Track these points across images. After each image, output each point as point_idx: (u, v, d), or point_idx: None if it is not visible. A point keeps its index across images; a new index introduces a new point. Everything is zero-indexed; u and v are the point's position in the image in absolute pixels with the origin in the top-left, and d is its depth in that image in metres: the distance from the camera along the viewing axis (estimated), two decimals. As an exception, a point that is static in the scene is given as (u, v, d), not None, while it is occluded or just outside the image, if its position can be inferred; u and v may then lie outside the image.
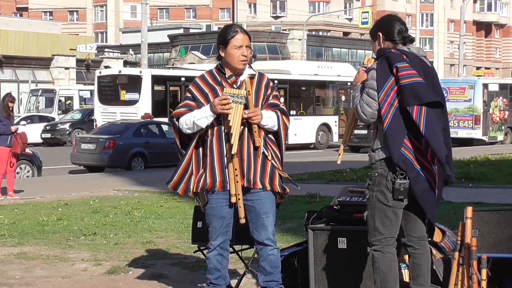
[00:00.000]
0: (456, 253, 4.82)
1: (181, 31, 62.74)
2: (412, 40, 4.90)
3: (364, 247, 4.89)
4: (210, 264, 5.29)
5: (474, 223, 4.94)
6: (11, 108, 13.64)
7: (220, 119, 5.06)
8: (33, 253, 7.89)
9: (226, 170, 5.07)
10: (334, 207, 5.67)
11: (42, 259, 7.59)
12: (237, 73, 5.17)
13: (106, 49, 53.54)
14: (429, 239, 5.18)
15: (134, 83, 27.21)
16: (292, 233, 8.82)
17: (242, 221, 5.10)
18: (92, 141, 21.07)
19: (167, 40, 59.00)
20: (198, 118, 5.05)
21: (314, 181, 15.08)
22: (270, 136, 5.20)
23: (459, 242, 4.81)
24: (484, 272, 4.64)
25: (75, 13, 79.68)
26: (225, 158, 5.07)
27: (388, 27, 4.89)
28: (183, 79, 27.88)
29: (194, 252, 6.78)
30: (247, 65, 5.22)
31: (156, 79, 27.46)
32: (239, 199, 5.07)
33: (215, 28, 67.76)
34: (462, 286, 4.76)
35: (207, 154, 5.13)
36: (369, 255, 4.86)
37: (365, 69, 4.89)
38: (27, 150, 16.12)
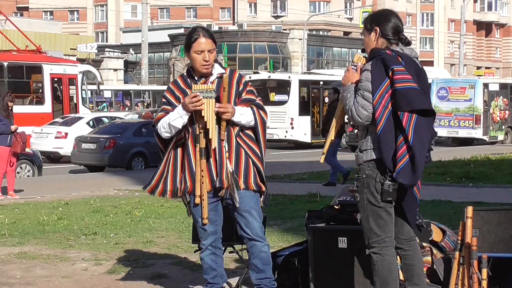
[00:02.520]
0: (457, 253, 4.82)
1: (181, 30, 62.62)
2: (408, 43, 4.80)
3: (364, 247, 4.88)
4: (204, 264, 5.32)
5: (475, 223, 4.93)
6: (10, 108, 13.64)
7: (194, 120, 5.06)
8: (34, 253, 7.89)
9: (193, 172, 5.10)
10: (335, 206, 5.66)
11: (43, 259, 7.59)
12: (205, 75, 5.15)
13: (106, 49, 53.51)
14: (430, 239, 5.19)
15: (283, 86, 30.90)
16: (292, 232, 8.82)
17: (205, 221, 5.15)
18: (92, 140, 21.06)
19: (168, 39, 58.97)
20: (173, 119, 5.06)
21: (315, 181, 15.07)
22: (248, 132, 5.18)
23: (459, 241, 4.81)
24: (484, 271, 4.64)
25: (75, 12, 79.68)
26: (192, 161, 5.09)
27: (387, 24, 4.78)
28: (321, 83, 31.97)
29: (194, 252, 6.77)
30: (217, 64, 5.20)
31: (301, 83, 31.35)
32: (203, 200, 5.09)
33: (215, 28, 67.76)
34: (462, 285, 4.76)
35: (184, 158, 5.15)
36: (371, 258, 4.84)
37: (354, 67, 4.78)
38: (28, 150, 16.12)
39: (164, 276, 6.68)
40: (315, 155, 23.09)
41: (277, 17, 74.84)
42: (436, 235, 5.74)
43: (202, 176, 5.05)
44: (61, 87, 27.21)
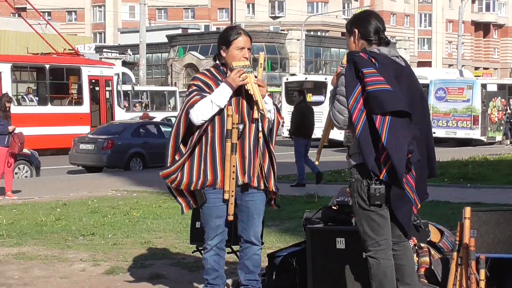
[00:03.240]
0: (455, 253, 4.82)
1: (179, 31, 62.74)
2: (387, 42, 4.76)
3: (362, 248, 4.88)
4: (207, 264, 5.31)
5: (473, 224, 4.93)
6: (8, 108, 13.63)
7: (221, 116, 5.09)
8: (32, 253, 7.89)
9: (218, 168, 5.11)
10: (333, 207, 5.66)
11: (41, 259, 7.58)
12: None
13: (104, 49, 53.39)
14: (428, 240, 5.17)
15: (319, 87, 31.24)
16: (290, 233, 8.82)
17: (230, 218, 5.14)
18: (90, 141, 21.05)
19: (166, 40, 59.02)
20: (217, 97, 5.07)
21: (313, 182, 15.07)
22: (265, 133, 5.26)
23: (457, 242, 4.81)
24: (482, 272, 4.64)
25: (73, 13, 79.67)
26: (218, 156, 5.11)
27: (365, 25, 4.74)
28: None
29: (192, 252, 6.78)
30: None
31: None
32: (232, 195, 5.10)
33: (213, 29, 67.80)
34: (460, 286, 4.76)
35: (208, 152, 5.14)
36: (367, 261, 4.82)
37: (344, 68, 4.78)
38: (25, 150, 16.11)
39: (162, 277, 6.67)
40: (313, 156, 23.10)
41: (275, 17, 74.90)
42: (434, 236, 5.74)
43: (233, 172, 5.08)
44: (98, 88, 28.28)
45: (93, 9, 79.59)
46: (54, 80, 27.40)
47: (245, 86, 5.11)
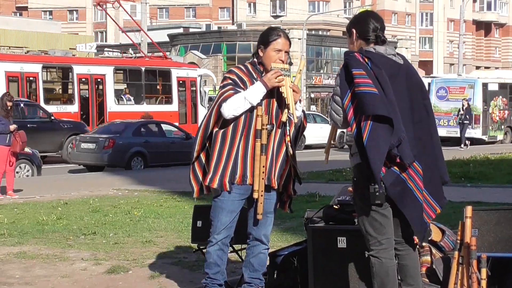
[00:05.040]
0: (456, 253, 4.81)
1: (180, 30, 62.74)
2: (383, 41, 4.74)
3: (364, 247, 4.88)
4: (210, 258, 5.33)
5: (474, 223, 4.93)
6: (9, 107, 13.63)
7: (251, 114, 5.15)
8: (33, 253, 7.89)
9: (248, 165, 5.16)
10: (334, 206, 5.66)
11: (42, 259, 7.58)
12: None
13: (105, 48, 53.29)
14: (430, 239, 5.17)
15: None
16: (291, 232, 8.82)
17: (260, 216, 5.21)
18: (91, 140, 21.07)
19: (167, 39, 58.98)
20: (251, 95, 5.11)
21: (314, 180, 15.08)
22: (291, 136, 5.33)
23: (458, 241, 4.80)
24: (483, 271, 4.64)
25: (74, 12, 79.68)
26: (249, 154, 5.16)
27: (363, 25, 4.76)
28: None
29: (193, 251, 6.79)
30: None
31: None
32: (261, 195, 5.17)
33: (214, 28, 67.80)
34: (462, 285, 4.76)
35: (231, 148, 5.17)
36: (370, 260, 4.82)
37: None
38: (27, 149, 16.12)
39: (163, 276, 6.67)
40: (314, 155, 23.10)
41: (276, 16, 74.86)
42: (436, 235, 5.73)
43: (263, 172, 5.13)
44: (184, 88, 30.89)
45: (94, 8, 79.59)
46: (148, 81, 30.09)
47: (280, 89, 5.14)
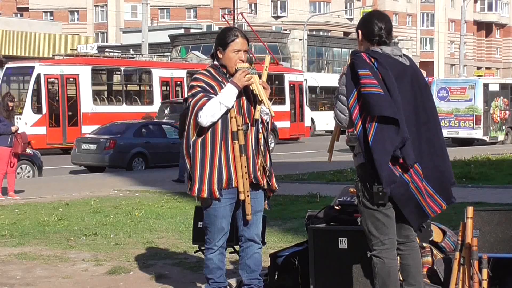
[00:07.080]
0: (457, 253, 4.81)
1: (181, 31, 62.68)
2: (385, 42, 4.75)
3: (365, 247, 4.88)
4: (212, 264, 5.33)
5: (475, 223, 4.93)
6: (11, 108, 13.63)
7: (226, 116, 5.14)
8: (34, 253, 7.89)
9: (231, 168, 5.14)
10: (335, 207, 5.66)
11: (43, 259, 7.59)
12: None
13: (106, 49, 53.32)
14: (431, 239, 5.16)
15: None
16: (292, 233, 8.82)
17: (249, 217, 5.19)
18: (92, 141, 21.06)
19: (168, 40, 58.93)
20: (225, 98, 5.10)
21: (315, 181, 15.07)
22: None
23: (460, 242, 4.81)
24: (485, 272, 4.64)
25: (75, 13, 79.68)
26: (230, 157, 5.14)
27: (367, 26, 4.78)
28: None
29: (194, 252, 6.78)
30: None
31: None
32: (247, 196, 5.15)
33: (215, 28, 67.73)
34: (463, 286, 4.76)
35: (213, 154, 5.15)
36: (372, 260, 4.82)
37: None
38: (28, 150, 16.11)
39: (164, 277, 6.68)
40: (315, 156, 23.10)
41: (277, 17, 74.84)
42: (437, 236, 5.73)
43: (246, 173, 5.12)
44: (294, 91, 34.78)
45: (95, 9, 79.59)
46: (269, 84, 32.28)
47: (250, 87, 5.15)
